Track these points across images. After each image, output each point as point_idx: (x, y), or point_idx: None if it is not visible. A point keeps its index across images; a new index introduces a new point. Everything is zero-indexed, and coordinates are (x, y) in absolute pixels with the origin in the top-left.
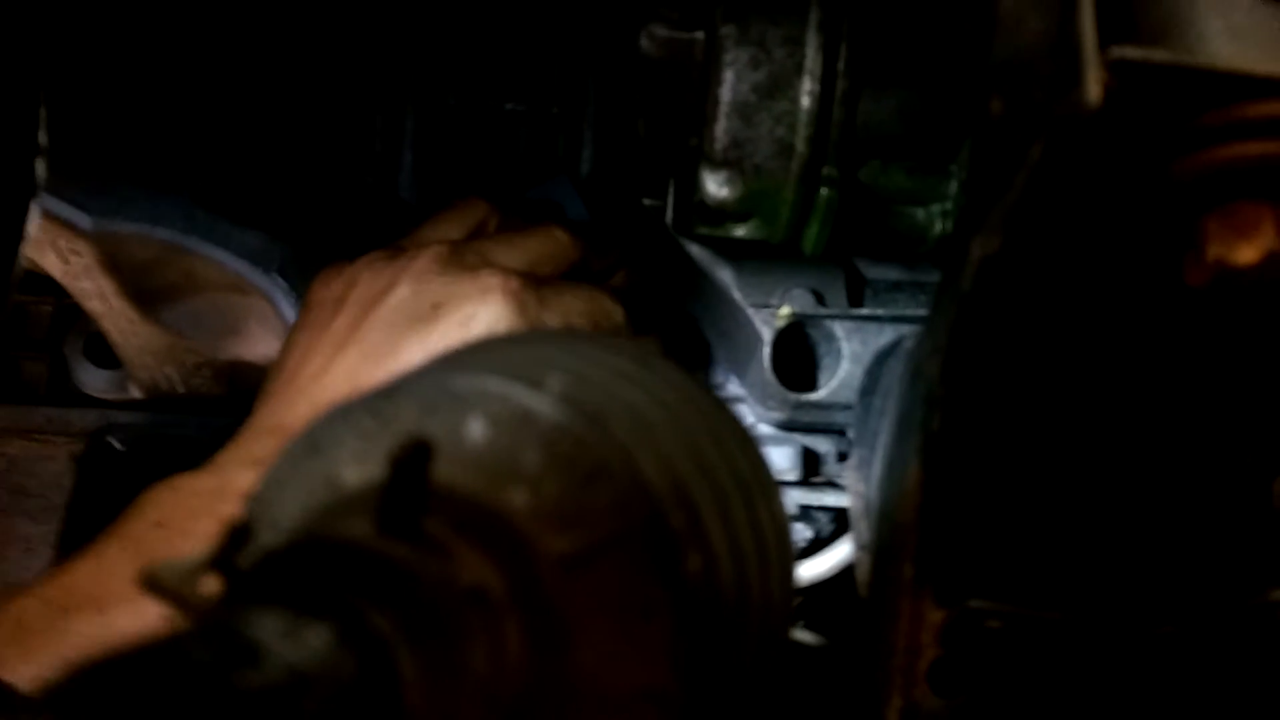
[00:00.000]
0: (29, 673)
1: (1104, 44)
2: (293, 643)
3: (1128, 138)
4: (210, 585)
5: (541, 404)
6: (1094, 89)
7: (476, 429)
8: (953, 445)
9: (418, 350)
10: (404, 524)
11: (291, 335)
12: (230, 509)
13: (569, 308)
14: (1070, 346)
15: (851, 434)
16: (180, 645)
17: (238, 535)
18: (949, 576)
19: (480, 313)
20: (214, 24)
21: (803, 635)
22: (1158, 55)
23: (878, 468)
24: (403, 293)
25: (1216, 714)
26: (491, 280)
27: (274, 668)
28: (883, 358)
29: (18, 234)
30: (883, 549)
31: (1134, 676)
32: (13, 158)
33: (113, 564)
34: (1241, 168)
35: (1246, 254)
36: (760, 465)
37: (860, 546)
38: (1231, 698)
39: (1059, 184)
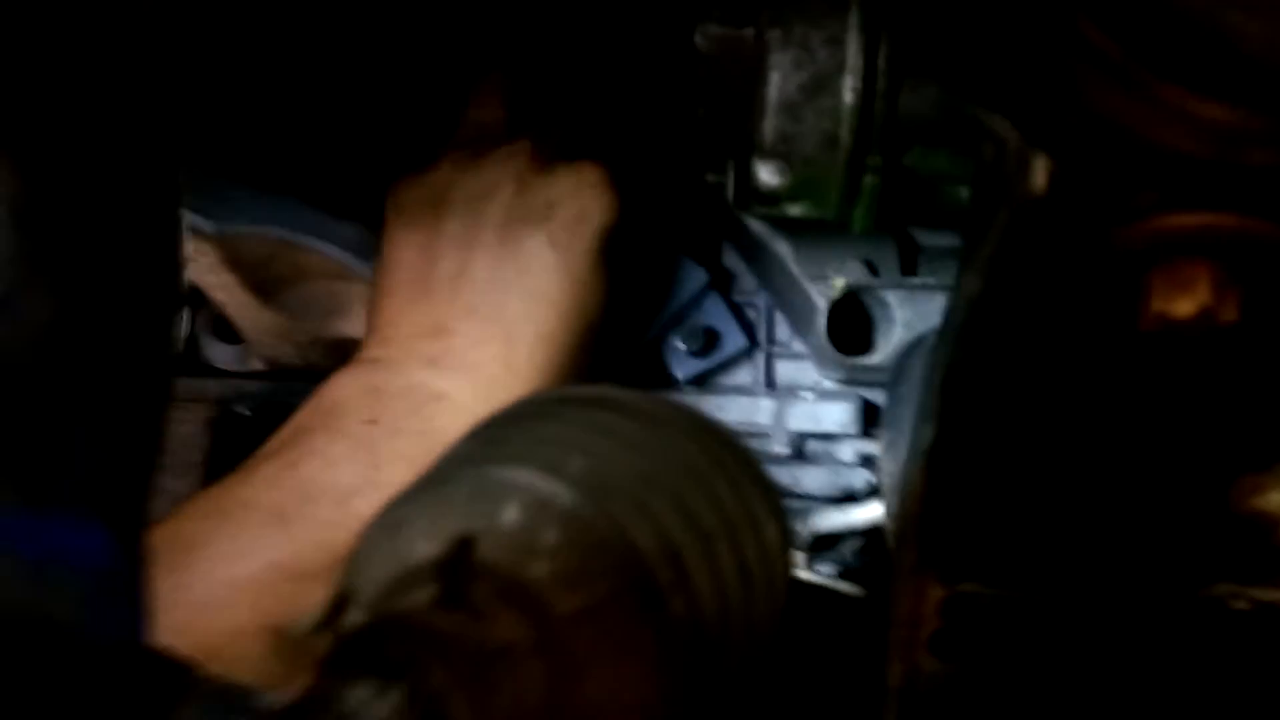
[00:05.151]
0: (289, 548)
1: None
2: (375, 706)
3: (1074, 212)
4: (323, 642)
5: (559, 491)
6: (1039, 179)
7: (510, 515)
8: (951, 451)
9: (543, 247)
10: (457, 596)
11: (395, 236)
12: (427, 411)
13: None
14: (1051, 372)
15: (883, 417)
16: (294, 716)
17: (340, 601)
18: (947, 563)
19: (590, 207)
20: (306, 39)
21: (842, 585)
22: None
23: (902, 452)
24: (508, 193)
25: (1170, 691)
26: (590, 174)
27: None
28: (911, 350)
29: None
30: (898, 528)
31: (1103, 653)
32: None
33: (344, 459)
34: (1181, 235)
35: (1184, 308)
36: (753, 498)
37: (891, 516)
38: (1182, 680)
39: (1025, 243)
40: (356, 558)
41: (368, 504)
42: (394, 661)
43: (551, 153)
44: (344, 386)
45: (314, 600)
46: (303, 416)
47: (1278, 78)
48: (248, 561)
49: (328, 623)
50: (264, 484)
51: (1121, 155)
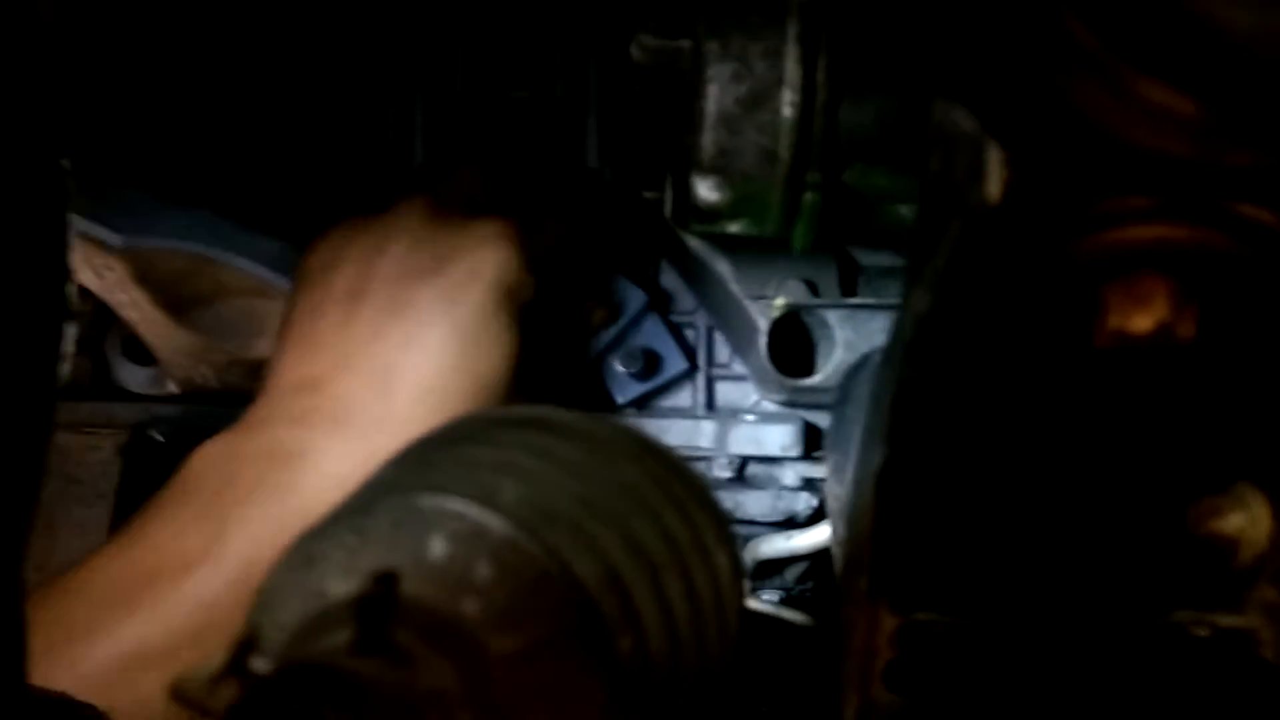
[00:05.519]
0: (124, 631)
1: None
2: None
3: (1031, 222)
4: (228, 692)
5: (492, 521)
6: (995, 187)
7: (438, 547)
8: (903, 473)
9: (431, 301)
10: (377, 639)
11: (294, 300)
12: (285, 473)
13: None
14: (1004, 391)
15: (827, 441)
16: None
17: (246, 644)
18: (900, 591)
19: (485, 262)
20: (220, 39)
21: (789, 614)
22: None
23: (849, 475)
24: (401, 248)
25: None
26: (489, 229)
27: None
28: (855, 371)
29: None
30: (847, 555)
31: (1063, 683)
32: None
33: (187, 530)
34: (1139, 248)
35: (1141, 324)
36: (702, 524)
37: (838, 542)
38: (1144, 710)
39: (977, 256)
40: (265, 597)
41: (208, 578)
42: (302, 715)
43: (452, 207)
44: (203, 454)
45: (149, 686)
46: (164, 490)
47: (1264, 71)
48: (82, 648)
49: (231, 671)
50: (108, 562)
51: (1092, 155)
